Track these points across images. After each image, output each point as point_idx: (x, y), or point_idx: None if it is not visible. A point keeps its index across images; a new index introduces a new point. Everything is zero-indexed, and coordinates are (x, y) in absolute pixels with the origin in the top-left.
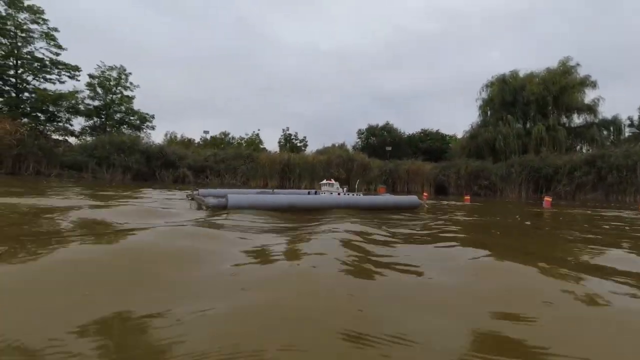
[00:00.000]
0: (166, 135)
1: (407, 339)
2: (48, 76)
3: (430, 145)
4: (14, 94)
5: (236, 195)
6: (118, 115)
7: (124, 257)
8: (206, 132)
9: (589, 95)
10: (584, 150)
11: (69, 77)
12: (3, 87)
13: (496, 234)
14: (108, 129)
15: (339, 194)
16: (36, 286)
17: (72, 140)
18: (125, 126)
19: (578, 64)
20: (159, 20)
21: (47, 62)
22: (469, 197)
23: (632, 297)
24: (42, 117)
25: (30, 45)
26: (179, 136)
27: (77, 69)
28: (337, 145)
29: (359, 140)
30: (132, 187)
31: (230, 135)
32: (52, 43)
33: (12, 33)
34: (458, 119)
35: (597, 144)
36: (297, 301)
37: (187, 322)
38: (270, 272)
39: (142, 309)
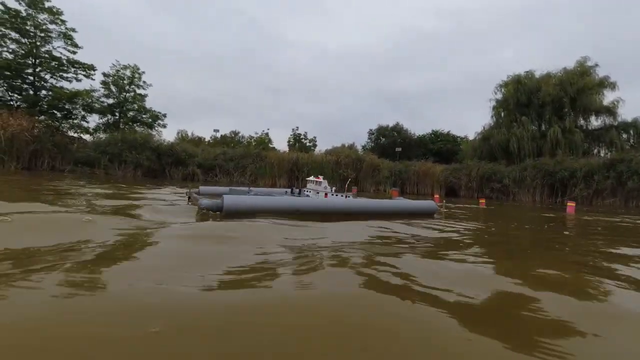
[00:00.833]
0: (178, 133)
1: None
2: (65, 75)
3: (441, 147)
4: (32, 92)
5: (233, 197)
6: (131, 113)
7: None
8: (216, 130)
9: (608, 97)
10: (602, 154)
11: (84, 75)
12: (22, 85)
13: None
14: (121, 127)
15: (326, 194)
16: None
17: (86, 137)
18: (137, 124)
19: (597, 65)
20: (173, 22)
21: (64, 61)
22: (484, 201)
23: None
24: (59, 115)
25: (48, 44)
26: (189, 134)
27: (92, 67)
28: (346, 145)
29: (369, 140)
30: (142, 183)
31: (240, 134)
32: (69, 42)
33: (31, 33)
34: (469, 120)
35: (616, 147)
36: None
37: None
38: None
39: None
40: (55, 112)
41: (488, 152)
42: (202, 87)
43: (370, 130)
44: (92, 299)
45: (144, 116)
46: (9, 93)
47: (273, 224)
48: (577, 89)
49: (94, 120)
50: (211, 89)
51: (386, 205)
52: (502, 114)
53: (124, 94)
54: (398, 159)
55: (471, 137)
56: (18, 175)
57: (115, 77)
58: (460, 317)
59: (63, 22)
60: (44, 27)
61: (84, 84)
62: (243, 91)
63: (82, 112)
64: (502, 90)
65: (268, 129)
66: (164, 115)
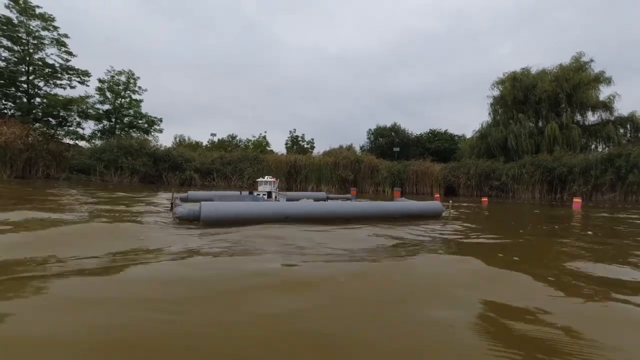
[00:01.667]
0: (175, 138)
1: None
2: (59, 82)
3: (439, 146)
4: (25, 100)
5: (213, 204)
6: (127, 119)
7: None
8: (213, 134)
9: (604, 92)
10: (599, 149)
11: (79, 82)
12: (15, 93)
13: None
14: (117, 132)
15: (269, 194)
16: None
17: (82, 144)
18: (133, 129)
19: (592, 60)
20: (167, 25)
21: (58, 68)
22: (486, 199)
23: None
24: (53, 122)
25: (41, 51)
26: (187, 139)
27: (87, 74)
28: (344, 146)
29: (367, 140)
30: (139, 189)
31: (237, 138)
32: (62, 49)
33: (23, 40)
34: (467, 119)
35: (614, 142)
36: None
37: None
38: None
39: None
40: (50, 119)
41: (486, 150)
42: (198, 90)
43: (369, 130)
44: None
45: (139, 121)
46: (2, 101)
47: (256, 234)
48: (573, 85)
49: (89, 127)
50: (208, 92)
51: (389, 208)
52: (500, 111)
53: (120, 99)
54: (396, 159)
55: (469, 135)
56: (11, 184)
57: (111, 83)
58: None
59: (55, 28)
60: (36, 33)
61: (79, 91)
62: (240, 94)
63: (78, 119)
64: (499, 87)
65: (265, 132)
66: (160, 120)
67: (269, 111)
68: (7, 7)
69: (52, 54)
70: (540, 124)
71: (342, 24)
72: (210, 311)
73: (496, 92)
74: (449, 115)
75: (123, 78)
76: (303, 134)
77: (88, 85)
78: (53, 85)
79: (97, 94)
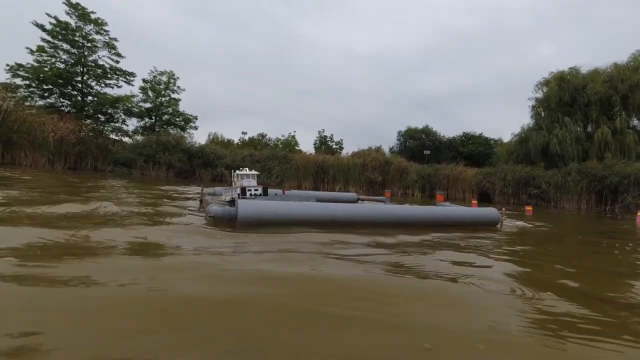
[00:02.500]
0: (209, 136)
1: None
2: (108, 81)
3: (472, 150)
4: (79, 98)
5: (251, 203)
6: (166, 116)
7: None
8: (244, 133)
9: None
10: None
11: (125, 82)
12: (71, 92)
13: None
14: (157, 129)
15: (243, 190)
16: None
17: (126, 139)
18: (171, 127)
19: None
20: (203, 28)
21: (108, 69)
22: (530, 208)
23: None
24: (102, 119)
25: (94, 54)
26: (219, 137)
27: (132, 75)
28: (373, 148)
29: (397, 142)
30: (175, 183)
31: (267, 137)
32: (112, 52)
33: (80, 43)
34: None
35: None
36: None
37: None
38: None
39: None
40: (99, 116)
41: (525, 155)
42: (232, 90)
43: (399, 131)
44: None
45: (177, 119)
46: (61, 99)
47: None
48: (630, 86)
49: (132, 123)
50: (240, 91)
51: (443, 214)
52: (543, 114)
53: (160, 98)
54: (427, 162)
55: (506, 139)
56: (71, 176)
57: (153, 83)
58: None
59: (107, 32)
60: (90, 37)
61: (125, 90)
62: (271, 94)
63: (123, 116)
64: (543, 88)
65: (294, 132)
66: (195, 118)
67: (298, 111)
68: (67, 13)
69: (103, 55)
70: (589, 128)
71: (374, 23)
72: None
73: (539, 94)
74: (484, 118)
75: (164, 78)
76: (332, 134)
77: (133, 85)
78: (103, 85)
79: (141, 92)
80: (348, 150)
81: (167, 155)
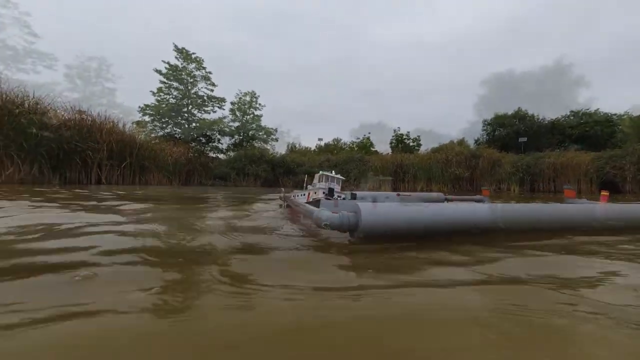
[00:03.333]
0: (288, 146)
1: None
2: (205, 108)
3: (587, 130)
4: (187, 125)
5: (375, 209)
6: (251, 132)
7: None
8: (320, 139)
9: None
10: None
11: (218, 107)
12: (180, 121)
13: None
14: (244, 144)
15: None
16: None
17: (221, 156)
18: (255, 141)
19: None
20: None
21: (205, 98)
22: None
23: None
24: (203, 140)
25: (195, 87)
26: (297, 146)
27: (223, 100)
28: (455, 141)
29: (483, 132)
30: (262, 191)
31: (342, 141)
32: (208, 82)
33: (185, 80)
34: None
35: None
36: None
37: None
38: None
39: None
40: (201, 138)
41: None
42: (304, 99)
43: (485, 120)
44: None
45: (260, 133)
46: (174, 128)
47: None
48: None
49: (225, 141)
50: (313, 100)
51: None
52: None
53: (246, 116)
54: (522, 151)
55: (635, 113)
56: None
57: (239, 104)
58: None
59: (204, 67)
60: (192, 74)
61: (218, 114)
62: (342, 99)
63: (218, 136)
64: None
65: (369, 133)
66: (275, 130)
67: (370, 112)
68: (176, 57)
69: (202, 87)
70: None
71: (441, 8)
72: None
73: None
74: (595, 93)
75: (248, 98)
76: (408, 132)
77: (224, 109)
78: (203, 112)
79: (230, 114)
80: (427, 146)
81: (253, 167)
